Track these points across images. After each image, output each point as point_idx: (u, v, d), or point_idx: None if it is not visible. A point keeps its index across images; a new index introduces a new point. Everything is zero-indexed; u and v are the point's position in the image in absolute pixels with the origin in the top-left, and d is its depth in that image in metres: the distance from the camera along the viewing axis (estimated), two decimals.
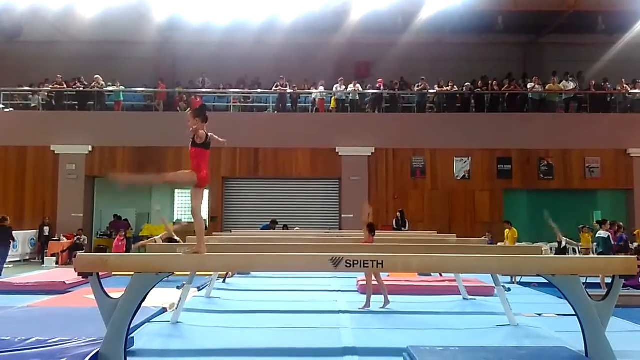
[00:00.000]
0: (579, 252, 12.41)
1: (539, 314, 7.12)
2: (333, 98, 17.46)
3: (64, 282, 9.19)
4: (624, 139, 16.69)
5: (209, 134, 4.50)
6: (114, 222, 16.66)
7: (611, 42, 18.89)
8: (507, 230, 13.78)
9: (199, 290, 8.62)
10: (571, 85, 17.68)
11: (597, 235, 12.43)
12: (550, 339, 5.57)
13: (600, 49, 18.85)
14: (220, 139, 4.62)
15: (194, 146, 4.44)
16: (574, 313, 4.38)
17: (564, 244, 11.57)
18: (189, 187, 4.55)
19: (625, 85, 17.64)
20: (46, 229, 15.65)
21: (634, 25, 18.22)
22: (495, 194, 16.70)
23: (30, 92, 17.85)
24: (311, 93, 17.77)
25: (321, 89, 17.58)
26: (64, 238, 15.51)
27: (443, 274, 9.68)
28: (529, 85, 17.51)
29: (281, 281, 9.90)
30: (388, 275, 9.69)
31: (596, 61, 18.74)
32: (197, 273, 7.44)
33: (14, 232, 14.84)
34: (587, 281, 8.99)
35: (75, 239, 15.32)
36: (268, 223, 14.34)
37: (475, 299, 8.06)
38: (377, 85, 17.74)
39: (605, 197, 17.57)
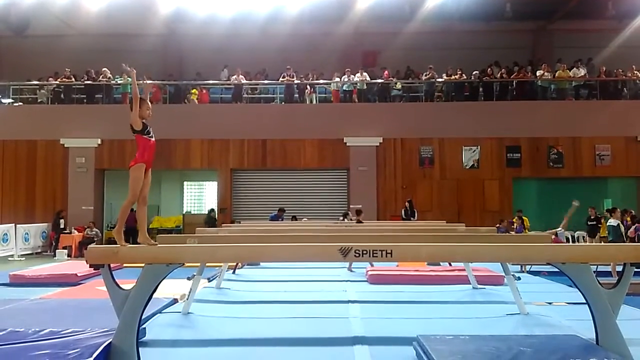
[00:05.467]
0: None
1: (549, 303, 7.09)
2: (332, 89, 17.44)
3: (75, 274, 9.28)
4: (635, 125, 16.52)
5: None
6: None
7: (621, 28, 18.66)
8: (516, 220, 13.73)
9: (209, 281, 8.67)
10: (581, 72, 17.51)
11: (607, 224, 12.37)
12: (560, 327, 5.56)
13: (609, 35, 18.63)
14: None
15: (135, 133, 4.42)
16: (584, 301, 4.35)
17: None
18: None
19: (635, 72, 17.43)
20: (62, 222, 15.70)
21: None
22: (504, 182, 16.62)
23: (38, 87, 17.93)
24: (318, 83, 17.71)
25: (336, 79, 17.51)
26: (75, 231, 15.64)
27: (452, 264, 9.67)
28: (538, 73, 17.35)
29: (290, 272, 9.93)
30: (397, 265, 9.71)
31: (606, 47, 18.52)
32: (207, 264, 7.48)
33: (25, 225, 15.09)
34: (598, 269, 8.95)
35: (86, 231, 15.44)
36: (276, 212, 14.41)
37: (484, 288, 8.05)
38: (383, 77, 17.67)
39: (616, 185, 17.44)
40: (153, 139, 4.48)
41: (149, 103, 4.55)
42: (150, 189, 4.58)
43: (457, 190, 16.53)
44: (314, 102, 17.62)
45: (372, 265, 9.49)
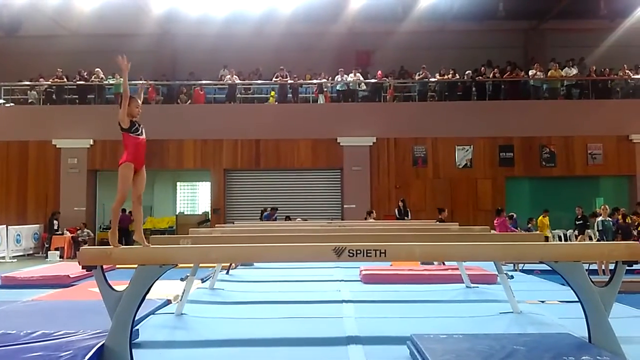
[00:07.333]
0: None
1: (542, 301, 7.11)
2: (323, 95, 17.38)
3: (68, 275, 9.23)
4: (626, 124, 16.63)
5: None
6: None
7: (613, 27, 18.78)
8: (539, 218, 13.95)
9: (202, 282, 8.64)
10: (573, 71, 17.60)
11: (595, 223, 12.48)
12: (553, 325, 5.58)
13: (601, 35, 18.75)
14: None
15: (123, 131, 4.35)
16: (577, 299, 4.38)
17: None
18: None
19: (627, 71, 17.55)
20: (55, 223, 15.58)
21: (635, 9, 18.09)
22: (497, 182, 16.68)
23: (30, 87, 17.82)
24: (312, 83, 17.70)
25: (323, 81, 17.50)
26: (68, 232, 15.56)
27: (446, 263, 9.69)
28: (531, 72, 17.43)
29: (284, 272, 9.91)
30: (390, 265, 9.72)
31: (598, 46, 18.63)
32: (201, 265, 7.45)
33: (17, 226, 15.00)
34: (590, 267, 9.01)
35: (78, 232, 15.35)
36: (268, 212, 14.34)
37: (478, 287, 8.07)
38: (377, 77, 17.70)
39: (608, 184, 17.54)
40: (142, 137, 4.41)
41: (139, 101, 4.51)
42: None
43: (450, 189, 16.57)
44: (322, 101, 17.54)
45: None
